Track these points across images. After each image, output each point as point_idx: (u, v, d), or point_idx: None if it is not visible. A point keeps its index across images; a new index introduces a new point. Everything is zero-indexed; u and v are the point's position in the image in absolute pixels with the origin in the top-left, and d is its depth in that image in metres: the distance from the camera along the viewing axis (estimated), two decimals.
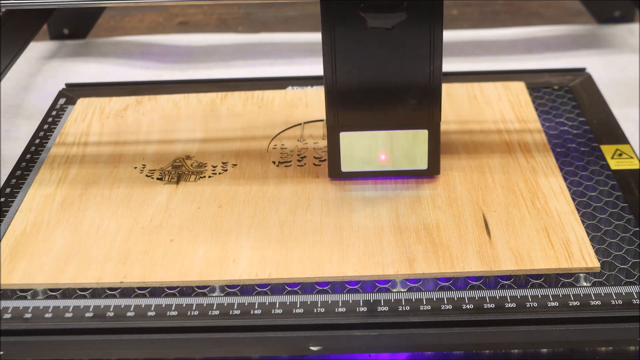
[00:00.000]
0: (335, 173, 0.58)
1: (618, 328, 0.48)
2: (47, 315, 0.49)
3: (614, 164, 0.61)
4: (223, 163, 0.62)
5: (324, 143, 0.64)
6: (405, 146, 0.57)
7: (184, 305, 0.49)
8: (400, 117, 0.55)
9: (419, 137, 0.56)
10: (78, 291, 0.51)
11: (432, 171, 0.58)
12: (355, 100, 0.55)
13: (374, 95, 0.55)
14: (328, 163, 0.58)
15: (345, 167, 0.58)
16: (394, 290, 0.50)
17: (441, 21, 0.52)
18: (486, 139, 0.63)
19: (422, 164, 0.58)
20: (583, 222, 0.55)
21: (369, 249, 0.52)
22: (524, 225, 0.54)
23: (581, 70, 0.74)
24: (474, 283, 0.50)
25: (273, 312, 0.49)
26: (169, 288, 0.51)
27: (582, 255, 0.51)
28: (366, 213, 0.56)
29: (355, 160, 0.58)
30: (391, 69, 0.54)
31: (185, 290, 0.51)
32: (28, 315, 0.49)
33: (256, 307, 0.49)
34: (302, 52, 0.93)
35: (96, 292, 0.51)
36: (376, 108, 0.55)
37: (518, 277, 0.51)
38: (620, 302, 0.49)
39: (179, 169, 0.61)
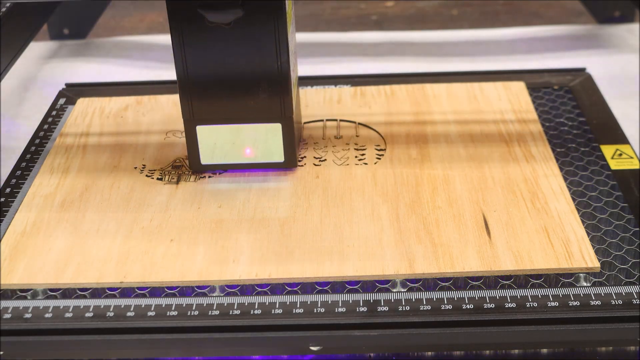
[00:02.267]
0: (196, 166, 0.60)
1: (618, 328, 0.48)
2: (47, 315, 0.49)
3: (614, 164, 0.61)
4: None
5: (324, 143, 0.64)
6: (261, 139, 0.59)
7: (184, 305, 0.49)
8: (253, 111, 0.57)
9: (274, 131, 0.58)
10: (78, 291, 0.51)
11: (289, 163, 0.59)
12: (208, 95, 0.57)
13: (226, 90, 0.57)
14: (188, 156, 0.60)
15: (205, 160, 0.59)
16: (394, 290, 0.50)
17: (284, 17, 0.54)
18: (486, 139, 0.63)
19: (279, 157, 0.59)
20: (583, 222, 0.55)
21: (369, 249, 0.52)
22: (524, 225, 0.54)
23: (581, 70, 0.74)
24: (474, 283, 0.50)
25: (273, 312, 0.49)
26: (169, 288, 0.51)
27: (582, 255, 0.51)
28: (366, 213, 0.56)
29: (215, 153, 0.59)
30: (240, 64, 0.56)
31: (185, 290, 0.51)
32: (28, 315, 0.49)
33: (256, 307, 0.49)
34: (302, 52, 0.93)
35: (96, 292, 0.51)
36: (230, 102, 0.57)
37: (518, 277, 0.51)
38: (620, 302, 0.49)
39: (179, 169, 0.61)
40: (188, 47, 0.55)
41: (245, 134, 0.58)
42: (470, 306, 0.49)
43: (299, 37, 0.97)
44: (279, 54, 0.55)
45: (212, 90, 0.57)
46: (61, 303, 0.50)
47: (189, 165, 0.60)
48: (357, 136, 0.65)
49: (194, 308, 0.49)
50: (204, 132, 0.58)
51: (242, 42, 0.55)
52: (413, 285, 0.50)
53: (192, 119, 0.58)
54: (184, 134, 0.65)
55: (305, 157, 0.62)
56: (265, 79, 0.56)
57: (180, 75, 0.56)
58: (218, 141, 0.58)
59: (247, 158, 0.59)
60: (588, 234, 0.53)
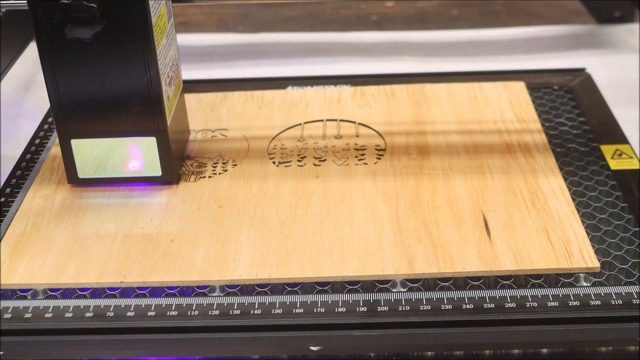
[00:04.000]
0: (73, 179, 0.59)
1: (618, 328, 0.48)
2: (47, 315, 0.49)
3: (614, 164, 0.61)
4: (223, 163, 0.62)
5: (324, 143, 0.64)
6: (137, 153, 0.58)
7: (184, 305, 0.49)
8: (127, 125, 0.56)
9: (149, 145, 0.57)
10: (78, 291, 0.51)
11: (167, 177, 0.58)
12: (81, 109, 0.56)
13: (99, 104, 0.56)
14: (65, 169, 0.58)
15: (82, 173, 0.58)
16: (394, 290, 0.50)
17: (149, 31, 0.53)
18: (486, 139, 0.63)
19: (156, 171, 0.58)
20: (583, 222, 0.55)
21: (369, 249, 0.52)
22: (524, 225, 0.54)
23: (581, 70, 0.74)
24: (474, 283, 0.50)
25: (273, 312, 0.49)
26: (169, 288, 0.51)
27: (582, 255, 0.51)
28: (366, 213, 0.56)
29: (93, 167, 0.58)
30: (109, 78, 0.55)
31: (185, 290, 0.51)
32: (28, 315, 0.49)
33: (256, 307, 0.49)
34: (302, 52, 0.93)
35: (96, 292, 0.51)
36: (103, 116, 0.56)
37: (518, 277, 0.51)
38: (620, 302, 0.49)
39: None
40: (57, 62, 0.54)
41: (122, 148, 0.57)
42: (470, 306, 0.49)
43: (299, 37, 0.97)
44: (147, 68, 0.54)
45: (85, 105, 0.56)
46: (61, 303, 0.50)
47: (67, 179, 0.59)
48: (357, 136, 0.65)
49: (194, 308, 0.49)
50: (79, 145, 0.57)
51: (108, 57, 0.54)
52: (413, 285, 0.50)
53: (66, 133, 0.57)
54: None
55: (305, 157, 0.62)
56: (136, 92, 0.55)
57: (50, 91, 0.55)
58: (95, 155, 0.58)
59: (127, 172, 0.58)
60: (588, 234, 0.53)
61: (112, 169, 0.58)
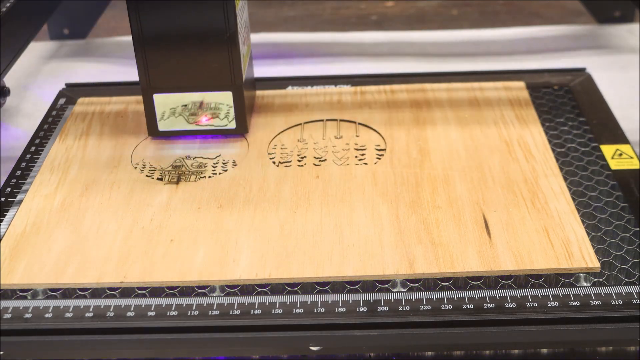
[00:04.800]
0: (154, 132, 0.64)
1: (618, 328, 0.48)
2: (47, 315, 0.49)
3: (614, 164, 0.61)
4: (223, 163, 0.62)
5: (324, 143, 0.64)
6: (216, 106, 0.63)
7: (184, 305, 0.49)
8: (206, 79, 0.62)
9: (225, 98, 0.62)
10: (78, 291, 0.51)
11: (240, 130, 0.64)
12: (163, 64, 0.61)
13: (180, 59, 0.61)
14: (147, 123, 0.63)
15: (162, 126, 0.63)
16: (394, 290, 0.50)
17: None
18: (486, 139, 0.63)
19: (231, 124, 0.63)
20: (583, 222, 0.55)
21: (369, 249, 0.52)
22: (524, 225, 0.54)
23: (581, 70, 0.74)
24: (474, 283, 0.50)
25: (273, 312, 0.49)
26: (169, 288, 0.51)
27: (582, 255, 0.51)
28: (366, 213, 0.56)
29: (172, 120, 0.63)
30: (192, 33, 0.60)
31: (185, 290, 0.51)
32: (28, 315, 0.49)
33: (256, 307, 0.49)
34: (302, 52, 0.93)
35: (96, 292, 0.51)
36: (183, 71, 0.61)
37: (518, 277, 0.51)
38: (620, 302, 0.49)
39: (179, 169, 0.61)
40: (143, 14, 0.59)
41: (200, 101, 0.62)
42: (470, 306, 0.49)
43: (299, 37, 0.97)
44: (227, 28, 0.59)
45: (166, 59, 0.61)
46: (61, 303, 0.50)
47: (147, 132, 0.64)
48: (357, 136, 0.65)
49: (194, 308, 0.49)
50: (160, 100, 0.62)
51: (194, 17, 0.59)
52: (413, 285, 0.50)
53: (149, 88, 0.62)
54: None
55: (305, 157, 0.62)
56: (216, 51, 0.60)
57: (137, 45, 0.60)
58: (174, 108, 0.62)
59: (204, 125, 0.63)
60: (588, 234, 0.53)
61: (190, 121, 0.63)
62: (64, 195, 0.59)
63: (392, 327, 0.48)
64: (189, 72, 0.61)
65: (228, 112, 0.63)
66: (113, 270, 0.52)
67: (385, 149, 0.63)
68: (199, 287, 0.51)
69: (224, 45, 0.60)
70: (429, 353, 0.50)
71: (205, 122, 0.63)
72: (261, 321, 0.48)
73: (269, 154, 0.63)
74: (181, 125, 0.63)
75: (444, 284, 0.50)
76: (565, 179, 0.59)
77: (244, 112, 0.63)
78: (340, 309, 0.49)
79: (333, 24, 1.02)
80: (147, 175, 0.61)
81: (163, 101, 0.62)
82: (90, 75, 0.90)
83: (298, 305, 0.49)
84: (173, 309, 0.49)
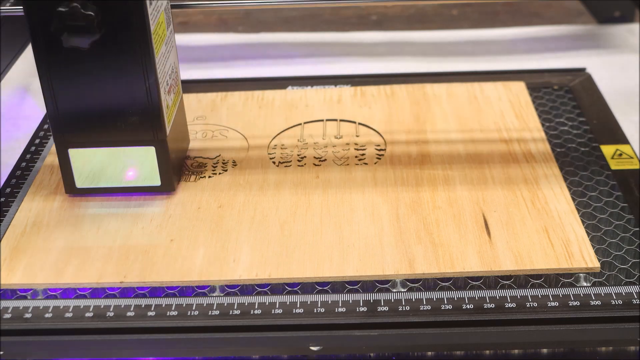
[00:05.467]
0: (71, 189, 0.57)
1: (618, 328, 0.48)
2: (47, 315, 0.49)
3: (614, 164, 0.61)
4: (223, 163, 0.62)
5: (324, 143, 0.64)
6: (136, 163, 0.56)
7: (184, 305, 0.49)
8: (126, 134, 0.55)
9: (148, 154, 0.56)
10: (78, 291, 0.51)
11: (165, 188, 0.57)
12: (79, 118, 0.55)
13: (96, 113, 0.54)
14: (62, 179, 0.57)
15: (79, 183, 0.57)
16: (394, 290, 0.50)
17: (147, 39, 0.52)
18: (486, 139, 0.63)
19: (155, 181, 0.57)
20: (583, 222, 0.55)
21: (369, 249, 0.52)
22: (524, 225, 0.54)
23: (581, 70, 0.74)
24: (474, 283, 0.50)
25: (273, 312, 0.49)
26: (169, 288, 0.51)
27: (582, 255, 0.51)
28: (366, 213, 0.56)
29: (92, 177, 0.57)
30: (106, 87, 0.53)
31: (185, 290, 0.51)
32: (28, 315, 0.49)
33: (256, 307, 0.49)
34: (302, 52, 0.93)
35: (96, 292, 0.51)
36: (101, 125, 0.55)
37: (518, 277, 0.51)
38: (620, 302, 0.49)
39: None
40: (54, 71, 0.53)
41: (120, 157, 0.56)
42: (470, 306, 0.49)
43: (299, 37, 0.97)
44: (146, 77, 0.53)
45: (82, 114, 0.55)
46: (61, 303, 0.50)
47: (64, 189, 0.58)
48: (357, 136, 0.65)
49: (194, 308, 0.49)
50: (77, 155, 0.56)
51: (105, 65, 0.53)
52: (413, 285, 0.50)
53: (63, 142, 0.55)
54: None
55: (305, 157, 0.62)
56: (134, 101, 0.54)
57: (47, 100, 0.54)
58: (93, 164, 0.56)
59: (126, 182, 0.57)
60: (588, 234, 0.53)
61: (110, 178, 0.57)
62: (64, 195, 0.59)
63: (392, 327, 0.48)
64: (108, 125, 0.55)
65: (150, 168, 0.57)
66: (113, 270, 0.51)
67: (385, 149, 0.63)
68: (199, 287, 0.51)
69: (143, 98, 0.54)
70: (429, 353, 0.50)
71: (129, 177, 0.57)
72: (261, 321, 0.48)
73: (269, 154, 0.63)
74: (102, 182, 0.57)
75: (444, 284, 0.50)
76: (565, 179, 0.59)
77: (168, 168, 0.57)
78: (340, 309, 0.49)
79: (333, 24, 1.02)
80: None
81: (80, 157, 0.56)
82: None
83: (298, 305, 0.49)
84: (173, 309, 0.49)
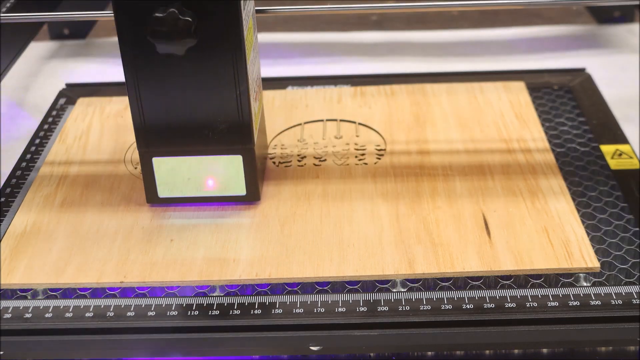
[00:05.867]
0: (153, 199, 0.56)
1: (618, 328, 0.48)
2: (47, 315, 0.49)
3: (614, 164, 0.61)
4: None
5: (324, 143, 0.64)
6: (222, 172, 0.55)
7: (184, 305, 0.49)
8: (213, 143, 0.54)
9: (235, 163, 0.55)
10: (78, 291, 0.51)
11: (250, 197, 0.56)
12: (165, 126, 0.53)
13: (183, 122, 0.53)
14: (145, 188, 0.56)
15: (162, 192, 0.56)
16: (394, 290, 0.50)
17: (241, 46, 0.51)
18: (486, 139, 0.63)
19: (241, 190, 0.56)
20: (583, 222, 0.55)
21: (369, 249, 0.52)
22: (524, 225, 0.54)
23: (581, 70, 0.74)
24: (474, 283, 0.50)
25: (273, 312, 0.49)
26: (169, 288, 0.51)
27: (582, 255, 0.51)
28: (366, 213, 0.56)
29: (174, 186, 0.56)
30: (196, 95, 0.52)
31: (185, 290, 0.51)
32: (28, 315, 0.49)
33: (256, 307, 0.49)
34: (302, 52, 0.93)
35: (96, 292, 0.51)
36: (188, 134, 0.54)
37: (518, 277, 0.51)
38: (620, 302, 0.49)
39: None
40: (142, 78, 0.52)
41: (205, 166, 0.55)
42: (470, 306, 0.49)
43: (299, 37, 0.97)
44: (237, 84, 0.52)
45: (169, 122, 0.53)
46: (61, 303, 0.50)
47: (146, 199, 0.56)
48: (357, 136, 0.65)
49: (194, 308, 0.49)
50: (161, 164, 0.55)
51: (198, 72, 0.51)
52: (413, 285, 0.50)
53: (148, 151, 0.54)
54: None
55: (305, 157, 0.62)
56: (224, 109, 0.53)
57: (133, 107, 0.53)
58: (176, 174, 0.55)
59: (208, 191, 0.56)
60: (588, 234, 0.53)
61: (192, 188, 0.56)
62: (64, 195, 0.59)
63: (392, 327, 0.48)
64: (194, 134, 0.54)
65: (236, 178, 0.56)
66: (113, 270, 0.52)
67: (385, 149, 0.63)
68: (199, 287, 0.51)
69: (233, 106, 0.53)
70: (429, 353, 0.50)
71: (210, 186, 0.56)
72: (261, 321, 0.48)
73: (269, 154, 0.63)
74: (184, 191, 0.56)
75: (444, 284, 0.50)
76: (565, 179, 0.59)
77: (255, 177, 0.55)
78: (340, 309, 0.49)
79: (333, 24, 1.02)
80: None
81: (164, 166, 0.55)
82: (90, 75, 0.90)
83: (298, 305, 0.49)
84: (173, 309, 0.49)
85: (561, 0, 0.71)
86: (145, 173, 0.55)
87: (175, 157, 0.55)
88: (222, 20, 0.50)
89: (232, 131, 0.53)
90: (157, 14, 0.49)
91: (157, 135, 0.54)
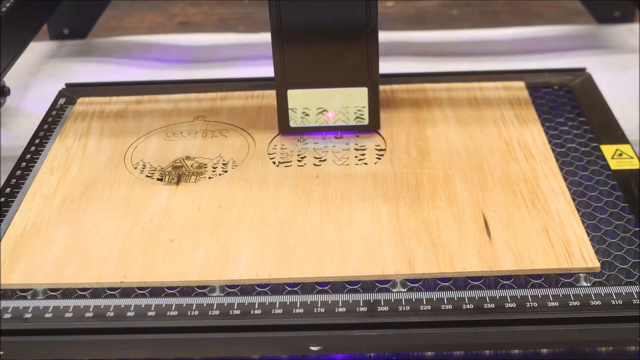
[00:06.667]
0: (285, 128, 0.63)
1: (618, 328, 0.48)
2: (47, 315, 0.49)
3: (614, 164, 0.61)
4: (223, 164, 0.62)
5: (324, 143, 0.64)
6: (348, 102, 0.62)
7: (184, 305, 0.49)
8: (341, 74, 0.61)
9: (360, 94, 0.61)
10: (78, 291, 0.51)
11: (373, 126, 0.63)
12: (300, 60, 0.60)
13: (316, 55, 0.60)
14: (278, 119, 0.63)
15: (293, 122, 0.63)
16: (394, 290, 0.50)
17: None
18: (486, 139, 0.63)
19: (364, 120, 0.63)
20: (583, 222, 0.55)
21: (369, 249, 0.52)
22: (524, 225, 0.54)
23: (581, 70, 0.74)
24: (474, 283, 0.50)
25: (273, 312, 0.49)
26: (169, 288, 0.51)
27: (582, 255, 0.51)
28: (366, 213, 0.56)
29: (304, 116, 0.63)
30: (330, 26, 0.59)
31: (185, 290, 0.51)
32: (28, 315, 0.49)
33: (256, 307, 0.49)
34: None
35: (96, 292, 0.51)
36: (319, 67, 0.60)
37: (518, 277, 0.51)
38: (620, 302, 0.49)
39: (179, 170, 0.61)
40: (284, 9, 0.58)
41: (334, 97, 0.61)
42: (470, 306, 0.49)
43: None
44: (368, 22, 0.58)
45: (303, 56, 0.60)
46: (61, 303, 0.50)
47: (278, 129, 0.63)
48: (357, 136, 0.65)
49: (194, 308, 0.49)
50: (294, 95, 0.61)
51: (334, 5, 0.58)
52: (413, 285, 0.50)
53: (284, 83, 0.61)
54: (183, 134, 0.65)
55: (305, 157, 0.62)
56: (353, 42, 0.59)
57: (275, 38, 0.59)
58: (307, 104, 0.62)
59: (333, 121, 0.62)
60: (588, 234, 0.53)
61: (321, 118, 0.62)
62: (64, 195, 0.59)
63: (392, 327, 0.48)
64: (325, 67, 0.60)
65: (358, 109, 0.62)
66: (113, 270, 0.52)
67: (385, 149, 0.63)
68: (199, 287, 0.51)
69: (363, 41, 0.59)
70: (429, 353, 0.50)
71: (331, 117, 0.62)
72: (261, 321, 0.48)
73: (269, 154, 0.63)
74: (311, 121, 0.63)
75: (444, 284, 0.50)
76: (565, 179, 0.59)
77: (377, 107, 0.62)
78: (340, 309, 0.49)
79: None
80: (147, 176, 0.60)
81: (296, 97, 0.62)
82: (90, 75, 0.90)
83: (298, 305, 0.49)
84: (173, 309, 0.49)
85: None
86: (280, 105, 0.62)
87: (307, 90, 0.61)
88: None
89: (359, 64, 0.60)
90: None
91: (292, 69, 0.61)
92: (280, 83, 0.61)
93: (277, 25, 0.59)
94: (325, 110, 0.62)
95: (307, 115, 0.62)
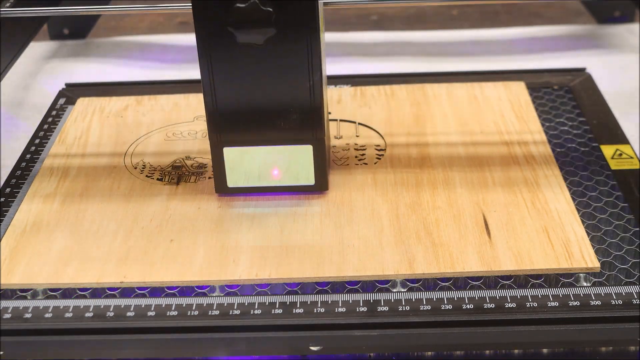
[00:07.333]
0: (222, 188, 0.57)
1: (618, 328, 0.48)
2: (47, 315, 0.49)
3: (614, 164, 0.61)
4: None
5: None
6: (291, 162, 0.56)
7: (184, 305, 0.49)
8: (283, 132, 0.55)
9: (305, 153, 0.55)
10: (78, 291, 0.51)
11: (319, 187, 0.57)
12: (237, 116, 0.54)
13: (255, 112, 0.54)
14: (214, 178, 0.57)
15: (231, 182, 0.57)
16: (394, 290, 0.50)
17: (317, 34, 0.52)
18: (486, 139, 0.63)
19: (309, 180, 0.57)
20: (583, 222, 0.55)
21: (369, 249, 0.52)
22: (524, 225, 0.54)
23: (581, 70, 0.74)
24: (474, 283, 0.50)
25: (273, 312, 0.49)
26: (169, 288, 0.51)
27: (582, 255, 0.51)
28: (366, 213, 0.56)
29: (243, 176, 0.57)
30: (270, 85, 0.53)
31: (185, 290, 0.51)
32: (28, 315, 0.49)
33: (256, 307, 0.49)
34: None
35: (96, 292, 0.51)
36: (259, 124, 0.54)
37: (518, 277, 0.51)
38: (620, 302, 0.49)
39: (179, 170, 0.61)
40: (216, 69, 0.53)
41: (274, 156, 0.56)
42: (470, 306, 0.49)
43: None
44: (311, 74, 0.53)
45: (240, 112, 0.54)
46: (61, 303, 0.50)
47: (215, 188, 0.57)
48: (357, 136, 0.65)
49: (194, 308, 0.49)
50: (231, 154, 0.56)
51: (273, 61, 0.52)
52: (413, 285, 0.50)
53: (219, 141, 0.55)
54: (183, 134, 0.65)
55: None
56: (296, 99, 0.53)
57: (207, 97, 0.54)
58: (246, 163, 0.56)
59: (276, 181, 0.57)
60: (588, 234, 0.53)
61: (262, 178, 0.57)
62: (64, 195, 0.59)
63: (392, 327, 0.48)
64: (265, 124, 0.54)
65: (305, 168, 0.56)
66: (113, 270, 0.52)
67: (385, 149, 0.63)
68: (199, 287, 0.51)
69: (306, 95, 0.53)
70: (429, 353, 0.50)
71: (276, 176, 0.56)
72: (261, 321, 0.48)
73: None
74: (252, 181, 0.57)
75: (444, 284, 0.50)
76: (565, 179, 0.59)
77: (324, 167, 0.56)
78: (340, 309, 0.49)
79: (333, 24, 1.02)
80: (147, 176, 0.60)
81: (234, 156, 0.56)
82: (90, 75, 0.90)
83: (298, 305, 0.49)
84: (173, 309, 0.49)
85: None
86: (215, 163, 0.56)
87: (245, 147, 0.55)
88: (300, 10, 0.51)
89: (304, 121, 0.54)
90: (238, 5, 0.50)
91: (229, 125, 0.55)
92: (216, 140, 0.55)
93: (209, 79, 0.53)
94: (270, 169, 0.56)
95: (249, 174, 0.57)
